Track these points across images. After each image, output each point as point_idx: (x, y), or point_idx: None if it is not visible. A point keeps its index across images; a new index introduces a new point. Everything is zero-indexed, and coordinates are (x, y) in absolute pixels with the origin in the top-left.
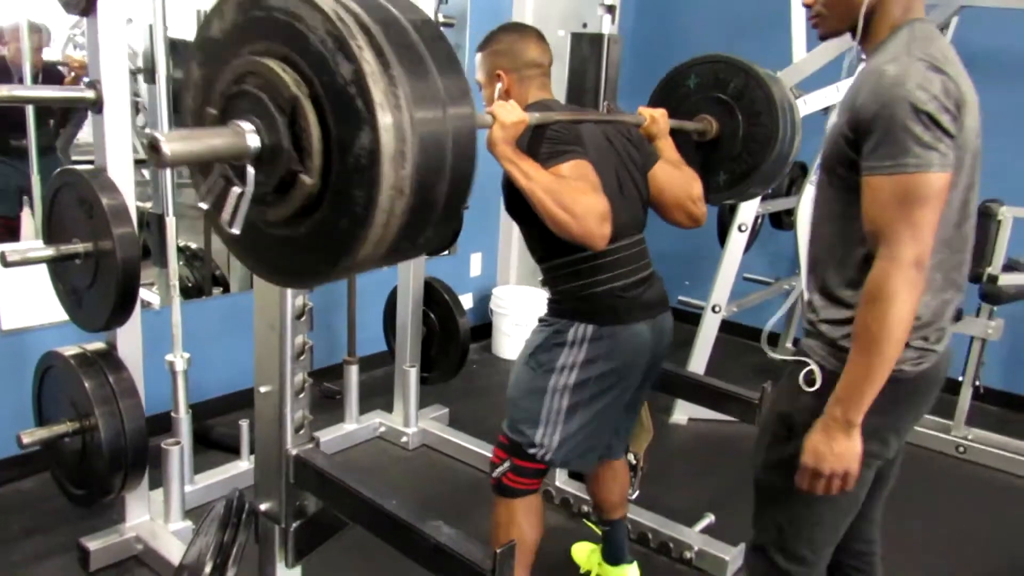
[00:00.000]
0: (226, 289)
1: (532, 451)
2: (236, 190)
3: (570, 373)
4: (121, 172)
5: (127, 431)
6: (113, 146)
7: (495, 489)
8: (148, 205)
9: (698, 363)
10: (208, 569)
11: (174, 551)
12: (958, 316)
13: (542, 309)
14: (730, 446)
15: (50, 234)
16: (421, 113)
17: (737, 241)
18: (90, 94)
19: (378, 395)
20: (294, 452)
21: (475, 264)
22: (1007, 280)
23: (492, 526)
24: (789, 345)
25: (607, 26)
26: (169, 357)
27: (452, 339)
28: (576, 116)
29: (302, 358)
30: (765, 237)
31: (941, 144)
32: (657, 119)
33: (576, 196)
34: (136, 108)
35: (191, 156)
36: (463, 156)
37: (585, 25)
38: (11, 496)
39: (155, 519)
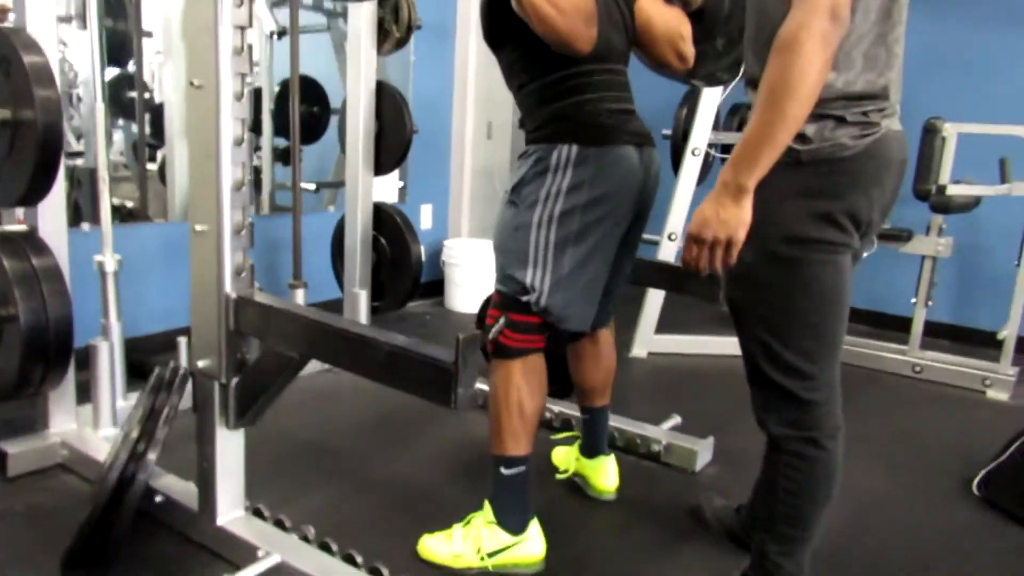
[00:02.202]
0: None
1: (525, 298)
2: None
3: (555, 202)
4: (43, 32)
5: (50, 317)
6: (34, 5)
7: (492, 353)
8: (79, 162)
9: (655, 297)
10: (135, 434)
11: (104, 456)
12: (908, 236)
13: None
14: (692, 375)
15: None
16: None
17: (691, 166)
18: None
19: None
20: (234, 296)
21: (425, 216)
22: (955, 190)
23: (490, 393)
24: None
25: None
26: (98, 257)
27: (403, 264)
28: None
29: (242, 191)
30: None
31: None
32: None
33: None
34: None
35: None
36: None
37: None
38: None
39: (83, 428)
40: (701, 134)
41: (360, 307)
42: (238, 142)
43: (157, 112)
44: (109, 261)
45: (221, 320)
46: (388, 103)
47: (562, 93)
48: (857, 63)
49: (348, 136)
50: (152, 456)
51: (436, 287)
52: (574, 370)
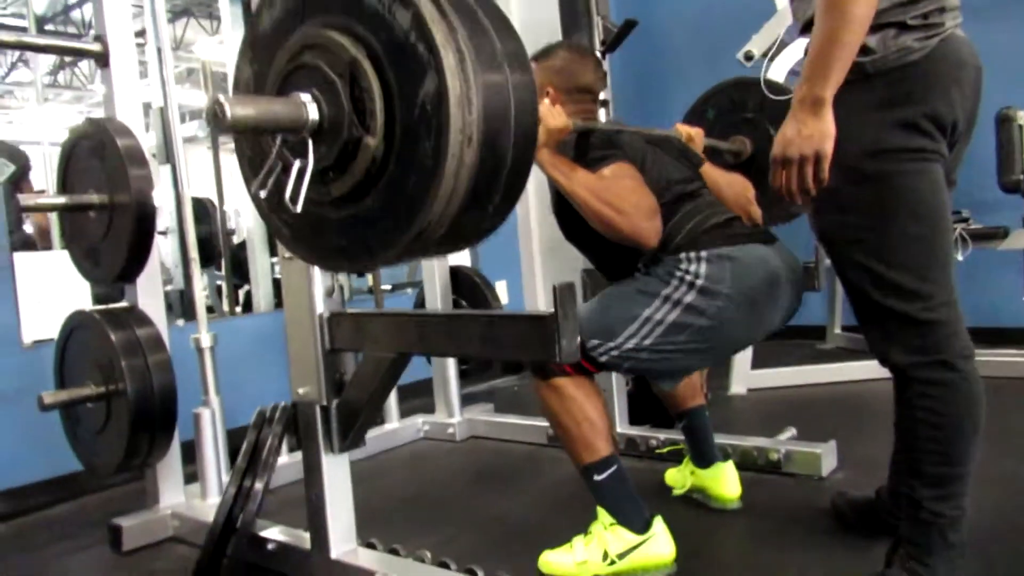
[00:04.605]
0: None
1: (591, 344)
2: (297, 164)
3: (671, 309)
4: (132, 123)
5: (155, 384)
6: (122, 98)
7: (537, 374)
8: (168, 288)
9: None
10: (243, 466)
11: None
12: (1005, 233)
13: None
14: (798, 404)
15: (65, 189)
16: (481, 57)
17: None
18: (96, 47)
19: (418, 411)
20: (327, 314)
21: (501, 292)
22: None
23: (549, 416)
24: (838, 331)
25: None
26: (194, 335)
27: None
28: (618, 128)
29: None
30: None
31: None
32: (694, 137)
33: (622, 193)
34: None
35: (251, 121)
36: (525, 105)
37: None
38: (37, 521)
39: (191, 500)
40: None
41: (449, 370)
42: None
43: (237, 253)
44: (205, 338)
45: (316, 341)
46: None
47: (667, 238)
48: None
49: None
50: (260, 485)
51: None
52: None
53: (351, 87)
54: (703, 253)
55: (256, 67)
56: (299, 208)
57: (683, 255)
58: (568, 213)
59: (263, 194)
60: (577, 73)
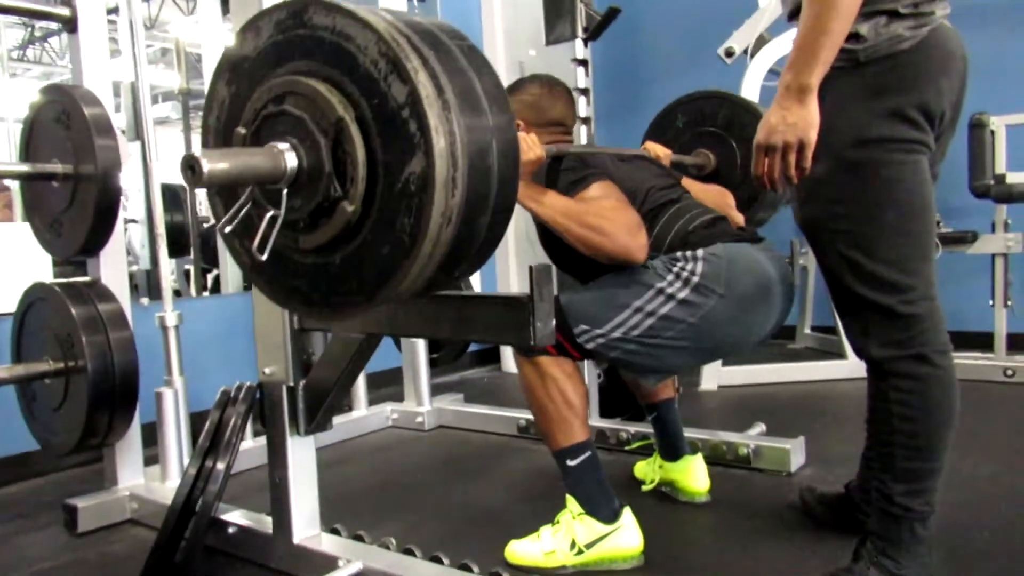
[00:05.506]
0: None
1: (578, 330)
2: (269, 214)
3: (664, 303)
4: (100, 92)
5: (116, 363)
6: (90, 65)
7: (522, 351)
8: (134, 268)
9: None
10: (206, 445)
11: None
12: (974, 237)
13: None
14: (768, 401)
15: (28, 158)
16: (472, 139)
17: None
18: (65, 11)
19: (387, 400)
20: None
21: (475, 283)
22: (1015, 179)
23: (527, 394)
24: (808, 331)
25: (582, 79)
26: (159, 313)
27: None
28: (589, 150)
29: None
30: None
31: None
32: (661, 157)
33: (602, 213)
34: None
35: (228, 176)
36: (507, 185)
37: None
38: None
39: (151, 482)
40: None
41: (419, 357)
42: None
43: (207, 239)
44: (170, 316)
45: (284, 319)
46: None
47: (654, 247)
48: None
49: None
50: (221, 466)
51: (492, 354)
52: (626, 375)
53: (334, 147)
54: (699, 252)
55: (233, 89)
56: (265, 256)
57: (679, 253)
58: (554, 241)
59: (228, 229)
60: (548, 107)
